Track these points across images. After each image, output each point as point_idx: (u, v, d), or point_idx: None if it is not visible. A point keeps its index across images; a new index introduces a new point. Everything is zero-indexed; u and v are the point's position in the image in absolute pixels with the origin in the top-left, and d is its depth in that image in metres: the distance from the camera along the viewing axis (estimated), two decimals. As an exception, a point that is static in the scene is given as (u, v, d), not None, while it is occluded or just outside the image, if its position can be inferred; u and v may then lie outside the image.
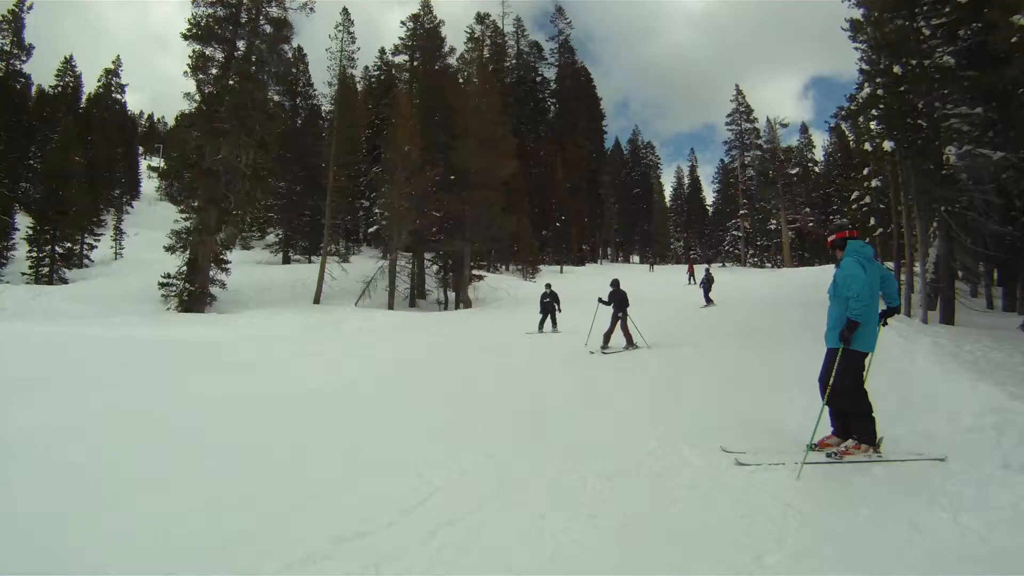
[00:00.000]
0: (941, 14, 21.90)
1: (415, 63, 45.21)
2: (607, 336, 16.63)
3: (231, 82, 31.79)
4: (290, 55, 43.56)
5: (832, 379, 6.30)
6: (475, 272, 40.70)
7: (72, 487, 5.98)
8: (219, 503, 5.47)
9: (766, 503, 5.26)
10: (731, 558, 4.36)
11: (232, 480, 6.11)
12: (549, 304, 23.55)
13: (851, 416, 6.43)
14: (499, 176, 39.31)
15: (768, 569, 4.21)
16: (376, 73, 60.59)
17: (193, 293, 29.66)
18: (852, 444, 6.36)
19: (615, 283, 17.56)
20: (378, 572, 4.21)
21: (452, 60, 48.96)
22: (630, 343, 16.38)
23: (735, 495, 5.47)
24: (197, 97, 31.63)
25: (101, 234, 44.91)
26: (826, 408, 6.53)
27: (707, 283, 31.09)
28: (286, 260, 47.03)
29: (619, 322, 16.67)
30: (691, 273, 49.81)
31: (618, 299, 17.04)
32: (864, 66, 26.97)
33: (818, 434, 6.49)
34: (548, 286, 24.69)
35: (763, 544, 4.54)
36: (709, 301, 30.13)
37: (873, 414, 6.31)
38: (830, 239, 6.80)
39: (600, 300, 17.51)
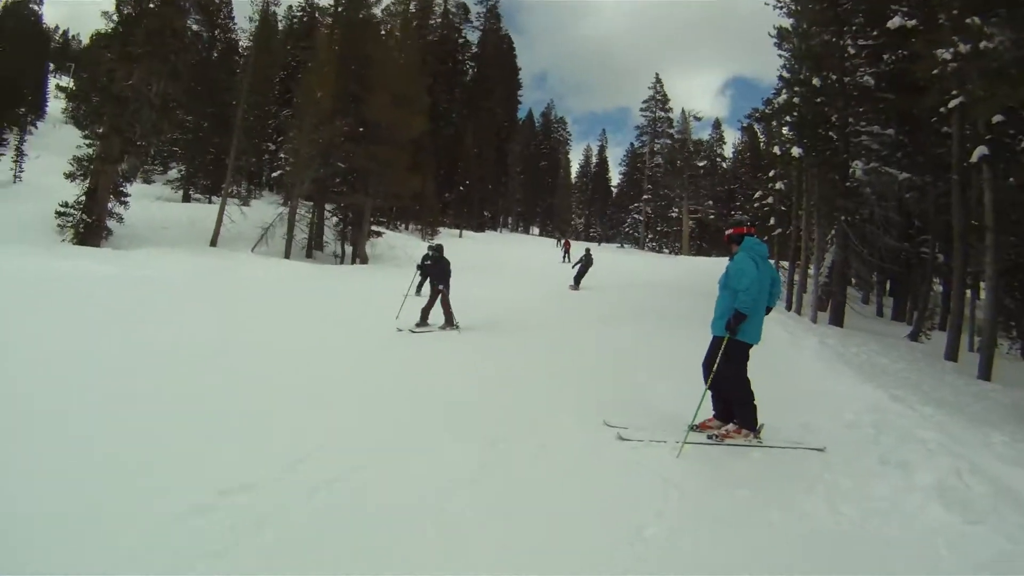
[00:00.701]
0: (869, 36, 22.48)
1: (340, 9, 43.77)
2: (425, 312, 14.48)
3: (152, 5, 30.02)
4: (215, -17, 42.31)
5: (716, 365, 6.38)
6: (374, 228, 40.02)
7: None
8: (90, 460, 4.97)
9: (647, 478, 5.25)
10: (612, 530, 4.32)
11: (108, 434, 5.54)
12: (428, 267, 22.23)
13: (733, 402, 6.54)
14: (409, 133, 38.81)
15: (647, 541, 4.19)
16: (299, 14, 58.08)
17: (90, 225, 27.97)
18: (733, 428, 6.45)
19: (437, 249, 15.52)
20: (260, 526, 4.02)
21: (377, 10, 47.87)
22: (449, 322, 14.29)
23: (617, 469, 5.45)
24: (115, 17, 29.75)
25: (1, 154, 42.02)
26: (708, 392, 6.60)
27: (584, 265, 27.80)
28: (186, 198, 44.63)
29: (440, 296, 14.61)
30: (567, 250, 46.77)
31: (439, 269, 14.92)
32: (785, 74, 27.55)
33: (700, 416, 6.52)
34: (430, 248, 23.53)
35: (643, 518, 4.51)
36: (577, 285, 26.99)
37: (754, 401, 6.42)
38: (727, 232, 6.85)
39: (419, 268, 15.78)
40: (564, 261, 43.32)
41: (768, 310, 6.66)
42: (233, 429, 5.84)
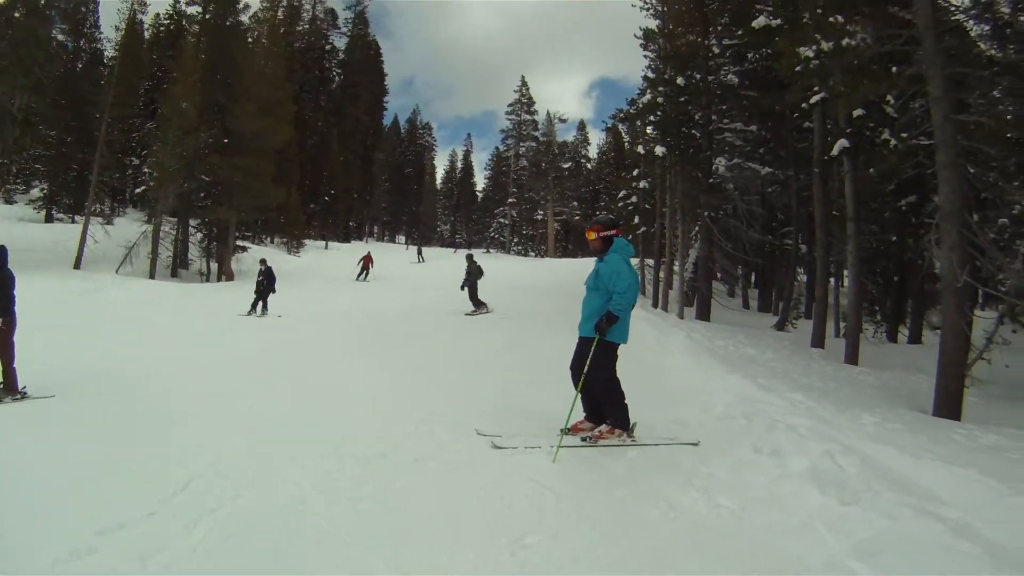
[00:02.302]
0: (733, 36, 23.20)
1: (207, 16, 42.62)
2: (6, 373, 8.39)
3: (16, 14, 28.61)
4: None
5: (586, 367, 6.35)
6: (239, 243, 39.27)
7: None
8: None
9: (524, 485, 5.21)
10: (493, 539, 4.25)
11: None
12: (261, 283, 20.64)
13: (605, 403, 6.54)
14: (275, 143, 38.31)
15: (529, 548, 4.14)
16: (166, 22, 55.57)
17: (-49, 255, 26.20)
18: (606, 428, 6.45)
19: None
20: (144, 564, 3.79)
21: (245, 17, 46.97)
22: (9, 388, 8.27)
23: (493, 478, 5.38)
24: (-24, 30, 28.29)
25: None
26: (579, 394, 6.56)
27: (471, 277, 21.10)
28: (49, 218, 42.60)
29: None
30: (365, 267, 38.09)
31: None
32: (650, 74, 28.19)
33: (572, 419, 6.52)
34: (263, 262, 21.96)
35: (523, 525, 4.46)
36: (479, 305, 20.62)
37: (625, 401, 6.45)
38: (594, 232, 6.72)
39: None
40: (361, 278, 37.03)
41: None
42: (95, 463, 5.49)
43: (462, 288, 21.18)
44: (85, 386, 8.85)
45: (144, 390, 8.65)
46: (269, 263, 21.94)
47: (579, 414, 6.69)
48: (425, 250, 56.30)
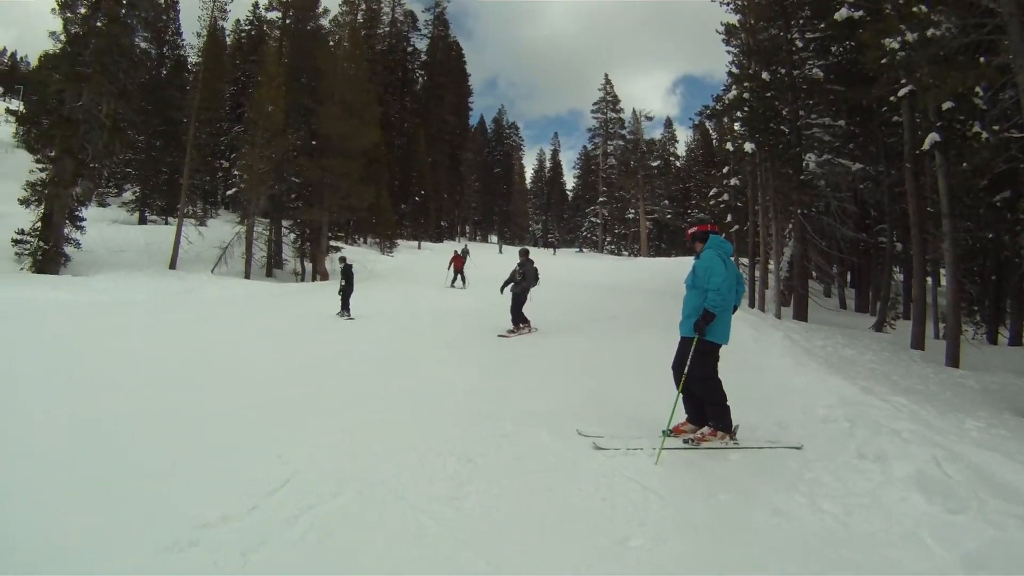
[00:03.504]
0: (816, 29, 22.82)
1: (287, 21, 43.70)
2: None
3: (99, 23, 29.55)
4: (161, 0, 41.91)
5: (687, 367, 6.32)
6: (332, 243, 39.68)
7: None
8: (69, 493, 4.85)
9: (626, 487, 5.20)
10: (595, 540, 4.26)
11: (81, 466, 5.43)
12: (341, 282, 19.48)
13: (706, 404, 6.48)
14: (361, 144, 38.55)
15: (632, 551, 4.13)
16: (247, 28, 57.60)
17: (47, 252, 27.46)
18: (708, 431, 6.40)
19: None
20: (245, 559, 3.91)
21: (325, 21, 48.14)
22: None
23: (595, 479, 5.37)
24: (63, 37, 29.31)
25: (-50, 184, 40.76)
26: (680, 395, 6.54)
27: (524, 281, 15.80)
28: (142, 220, 44.21)
29: None
30: (458, 270, 32.02)
31: None
32: (734, 70, 27.80)
33: (674, 420, 6.47)
34: (342, 260, 21.00)
35: (626, 527, 4.46)
36: (520, 322, 15.59)
37: (727, 402, 6.38)
38: (691, 232, 6.85)
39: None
40: (457, 284, 31.28)
41: (734, 309, 6.60)
42: (205, 457, 5.68)
43: (501, 291, 16.09)
44: (184, 379, 9.22)
45: (240, 386, 8.94)
46: (348, 260, 20.97)
47: (680, 415, 6.66)
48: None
